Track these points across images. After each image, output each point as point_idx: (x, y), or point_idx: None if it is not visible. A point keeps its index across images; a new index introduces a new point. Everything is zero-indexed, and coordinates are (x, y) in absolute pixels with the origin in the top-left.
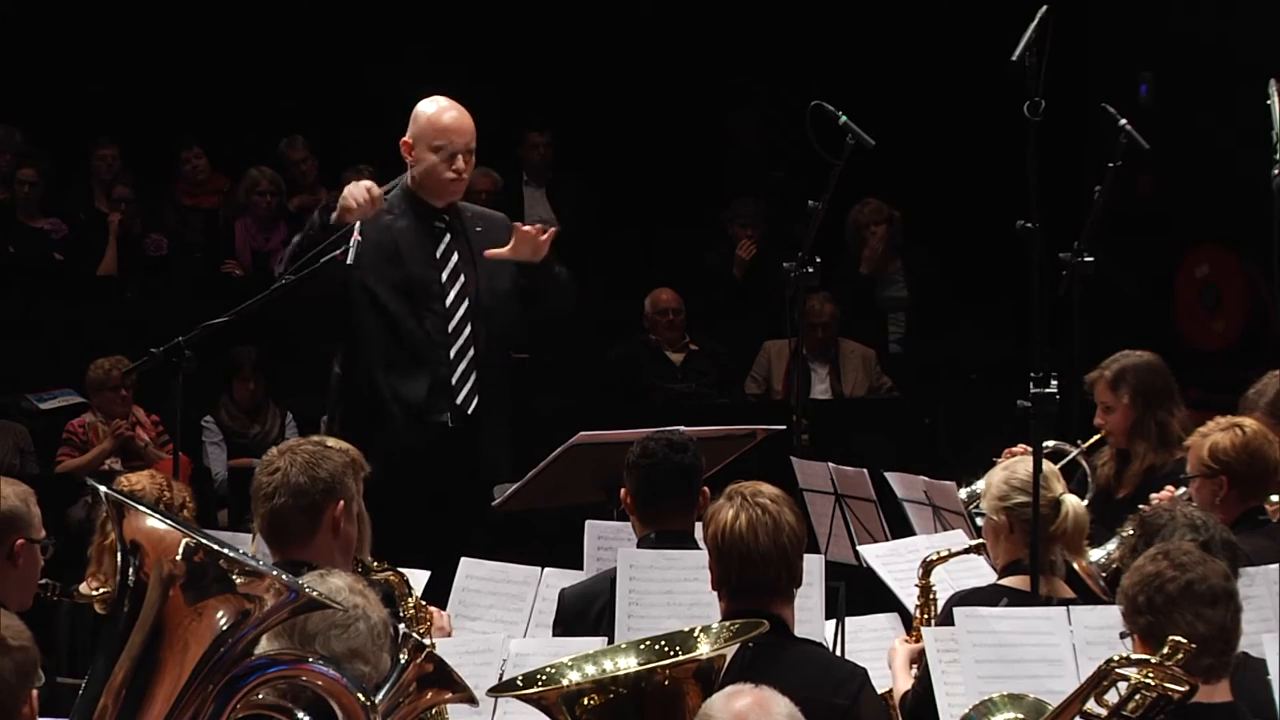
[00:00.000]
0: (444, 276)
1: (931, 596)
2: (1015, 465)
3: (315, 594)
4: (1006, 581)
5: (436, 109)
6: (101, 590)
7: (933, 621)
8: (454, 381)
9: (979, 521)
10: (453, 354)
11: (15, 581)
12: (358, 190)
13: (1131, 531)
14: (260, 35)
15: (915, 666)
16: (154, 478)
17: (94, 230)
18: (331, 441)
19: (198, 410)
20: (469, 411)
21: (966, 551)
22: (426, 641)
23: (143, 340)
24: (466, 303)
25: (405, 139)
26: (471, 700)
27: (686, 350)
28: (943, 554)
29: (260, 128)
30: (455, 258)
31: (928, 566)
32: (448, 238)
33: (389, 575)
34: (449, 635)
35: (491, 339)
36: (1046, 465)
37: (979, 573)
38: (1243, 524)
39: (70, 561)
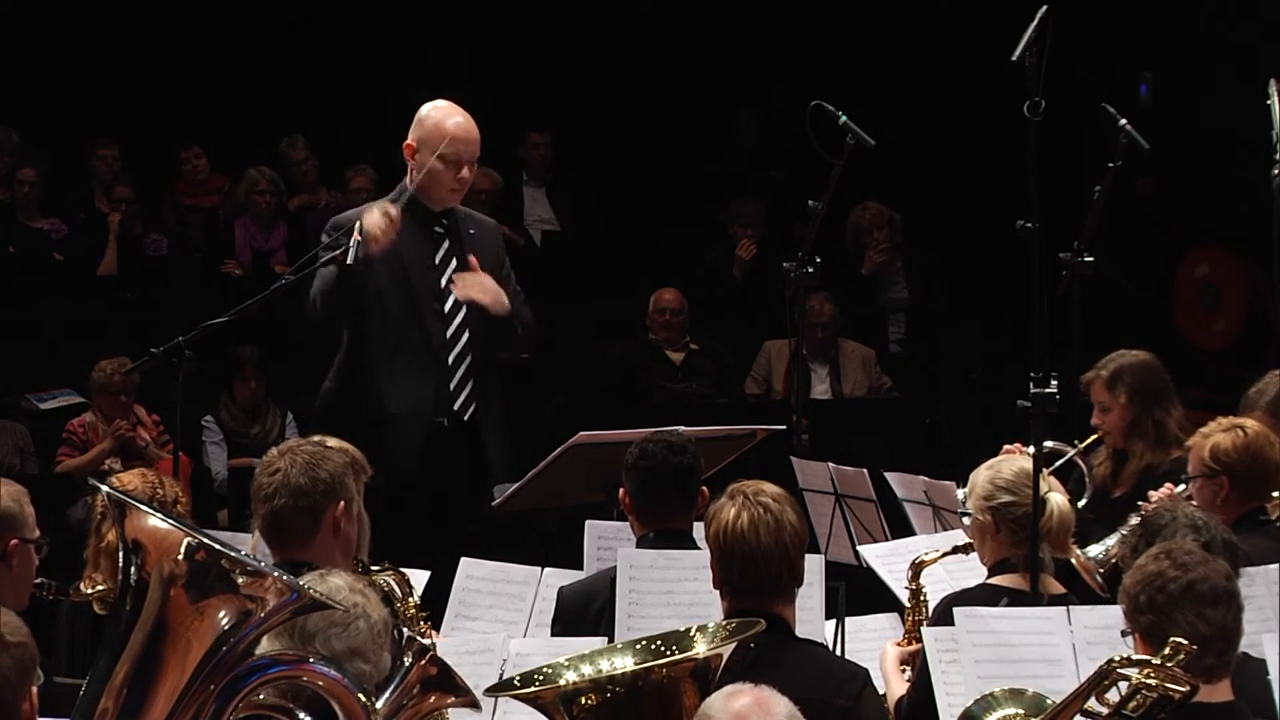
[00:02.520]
0: (443, 282)
1: (922, 598)
2: (999, 464)
3: (317, 594)
4: (996, 580)
5: (443, 115)
6: (98, 589)
7: (925, 623)
8: (452, 387)
9: (966, 521)
10: (451, 359)
11: (10, 582)
12: (377, 220)
13: (1132, 530)
14: (260, 35)
15: (907, 669)
16: (145, 476)
17: (94, 230)
18: (332, 442)
19: (198, 410)
20: (465, 418)
21: (954, 552)
22: (429, 643)
23: (143, 340)
24: (464, 309)
25: (409, 142)
26: (474, 705)
27: (686, 350)
28: (930, 556)
29: (260, 128)
30: (454, 263)
31: (916, 569)
32: (446, 243)
33: (390, 575)
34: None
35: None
36: (1033, 465)
37: (979, 573)
38: (1243, 524)
39: (70, 561)
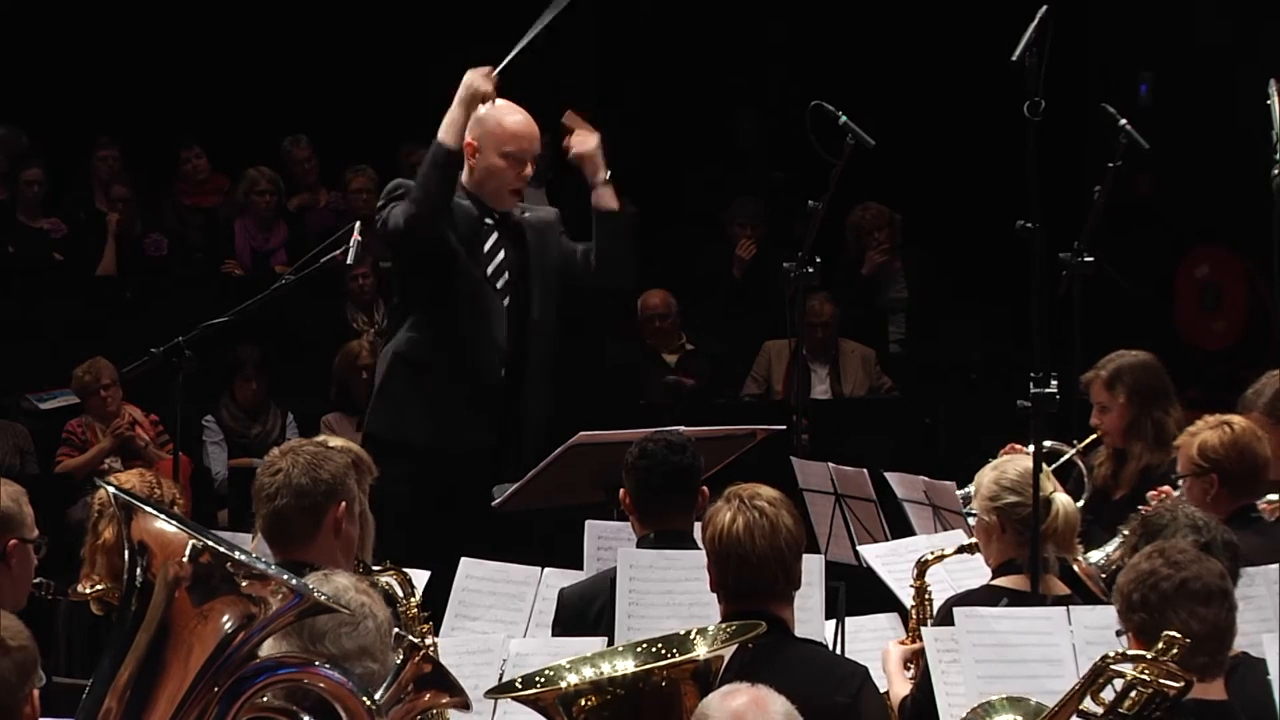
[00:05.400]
0: (489, 272)
1: (927, 597)
2: (1004, 465)
3: (321, 598)
4: (1000, 582)
5: (503, 113)
6: (97, 589)
7: (929, 622)
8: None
9: (971, 522)
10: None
11: (9, 582)
12: (479, 80)
13: (1132, 531)
14: (260, 35)
15: (911, 668)
16: (143, 476)
17: (94, 230)
18: (334, 442)
19: (198, 410)
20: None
21: (960, 552)
22: (428, 641)
23: (143, 340)
24: (508, 302)
25: (469, 140)
26: (465, 706)
27: (681, 351)
28: (936, 555)
29: (260, 128)
30: (500, 255)
31: (922, 568)
32: (495, 235)
33: (392, 575)
34: None
35: (536, 346)
36: (1033, 465)
37: (980, 573)
38: (1235, 522)
39: (70, 561)
